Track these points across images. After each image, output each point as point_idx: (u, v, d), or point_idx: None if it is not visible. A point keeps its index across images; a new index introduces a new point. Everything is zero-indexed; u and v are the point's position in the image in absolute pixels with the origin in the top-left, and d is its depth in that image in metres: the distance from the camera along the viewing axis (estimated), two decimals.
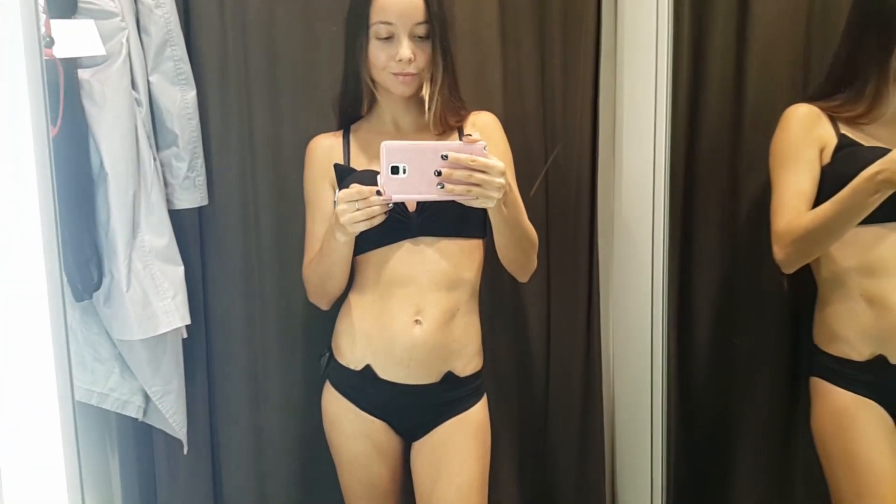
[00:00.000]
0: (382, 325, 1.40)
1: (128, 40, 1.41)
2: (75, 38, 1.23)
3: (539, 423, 1.86)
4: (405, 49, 1.34)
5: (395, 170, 1.17)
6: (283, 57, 1.67)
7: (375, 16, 1.35)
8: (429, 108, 1.39)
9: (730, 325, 1.80)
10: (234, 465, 1.76)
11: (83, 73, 1.33)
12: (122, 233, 1.38)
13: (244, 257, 1.69)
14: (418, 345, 1.39)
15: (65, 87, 1.22)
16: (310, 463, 1.78)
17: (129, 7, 1.44)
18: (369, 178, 1.34)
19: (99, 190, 1.38)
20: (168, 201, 1.55)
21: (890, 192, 1.30)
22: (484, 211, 1.41)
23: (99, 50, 1.27)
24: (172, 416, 1.55)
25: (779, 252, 1.48)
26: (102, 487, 1.64)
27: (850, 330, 1.48)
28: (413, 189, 1.19)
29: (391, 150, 1.17)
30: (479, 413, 1.47)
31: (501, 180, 1.20)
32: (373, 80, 1.41)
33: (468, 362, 1.46)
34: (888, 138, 1.44)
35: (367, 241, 1.40)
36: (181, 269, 1.50)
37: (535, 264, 1.50)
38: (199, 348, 1.71)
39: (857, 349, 1.47)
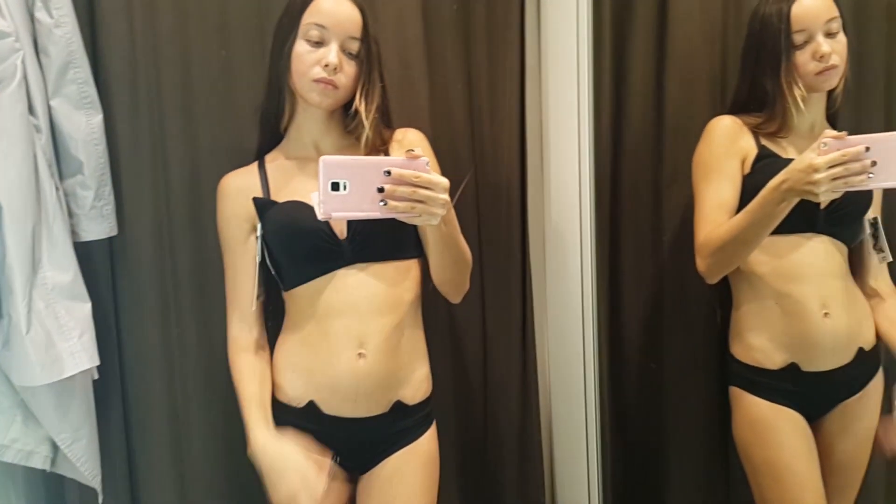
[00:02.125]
0: (324, 361, 1.32)
1: (23, 62, 1.32)
2: None
3: (478, 442, 1.82)
4: (333, 54, 1.28)
5: (335, 186, 1.10)
6: (197, 75, 1.59)
7: (310, 17, 1.29)
8: (368, 126, 1.32)
9: (658, 336, 1.82)
10: None
11: None
12: (21, 270, 1.28)
13: (160, 290, 1.60)
14: (364, 378, 1.32)
15: None
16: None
17: (25, 26, 1.35)
18: (294, 209, 1.30)
19: None
20: (74, 233, 1.46)
21: (796, 200, 1.34)
22: (416, 230, 1.37)
23: None
24: (84, 465, 1.45)
25: (700, 263, 1.51)
26: None
27: (763, 338, 1.51)
28: (354, 206, 1.11)
29: (331, 165, 1.09)
30: (428, 443, 1.41)
31: (446, 196, 1.15)
32: (292, 91, 1.34)
33: (417, 389, 1.40)
34: (805, 148, 1.47)
35: (298, 275, 1.34)
36: (88, 305, 1.40)
37: (468, 285, 1.45)
38: (114, 389, 1.61)
39: (770, 357, 1.50)
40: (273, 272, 1.38)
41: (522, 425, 1.82)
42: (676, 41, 1.75)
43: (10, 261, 1.27)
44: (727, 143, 1.52)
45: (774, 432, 1.49)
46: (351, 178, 1.10)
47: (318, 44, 1.29)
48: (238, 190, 1.39)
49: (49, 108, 1.39)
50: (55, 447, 1.44)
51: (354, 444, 1.36)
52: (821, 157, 1.25)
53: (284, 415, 1.36)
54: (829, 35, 1.44)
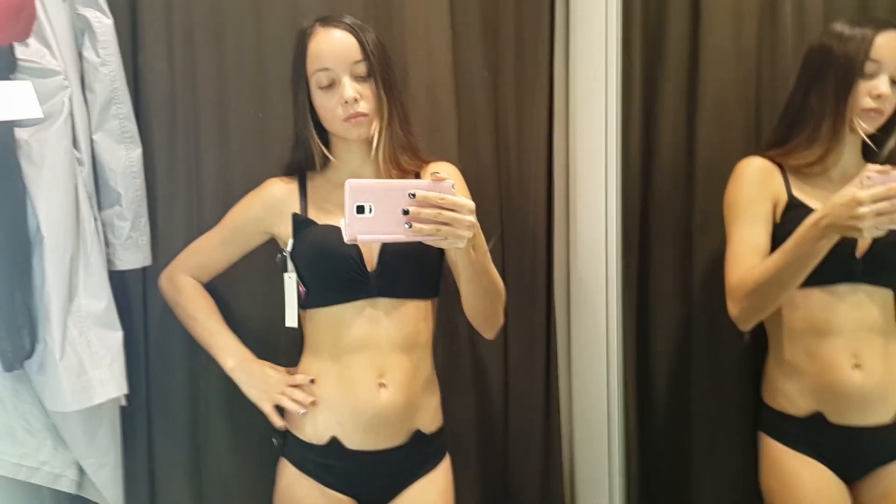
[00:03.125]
0: (345, 393, 1.34)
1: (70, 99, 1.37)
2: (10, 100, 1.18)
3: (499, 484, 1.81)
4: (348, 89, 1.31)
5: (360, 209, 1.10)
6: (233, 115, 1.64)
7: (312, 65, 1.33)
8: (377, 144, 1.35)
9: (687, 384, 1.78)
10: None
11: (21, 133, 1.28)
12: (58, 298, 1.32)
13: None
14: (386, 407, 1.34)
15: None
16: None
17: (73, 65, 1.41)
18: (329, 232, 1.32)
19: (35, 253, 1.32)
20: (109, 262, 1.50)
21: (836, 238, 1.29)
22: (439, 270, 1.39)
23: (35, 113, 1.22)
24: (108, 491, 1.47)
25: (733, 308, 1.46)
26: None
27: (791, 385, 1.48)
28: (379, 229, 1.11)
29: (356, 188, 1.10)
30: (444, 473, 1.43)
31: (472, 218, 1.14)
32: (325, 133, 1.38)
33: (433, 418, 1.42)
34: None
35: (321, 298, 1.36)
36: (119, 334, 1.43)
37: (502, 318, 1.43)
38: (140, 417, 1.64)
39: (795, 404, 1.47)
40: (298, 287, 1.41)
41: (545, 469, 1.80)
42: (708, 84, 1.73)
43: (48, 288, 1.31)
44: (759, 184, 1.49)
45: (799, 482, 1.45)
46: (376, 201, 1.11)
47: (331, 85, 1.32)
48: (277, 198, 1.43)
49: (91, 141, 1.45)
50: (82, 471, 1.46)
51: (376, 477, 1.37)
52: (865, 191, 1.19)
53: (304, 453, 1.38)
54: (893, 82, 1.40)
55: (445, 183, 1.13)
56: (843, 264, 1.39)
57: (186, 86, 1.61)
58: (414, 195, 1.11)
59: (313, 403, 1.36)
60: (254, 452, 1.64)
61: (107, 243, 1.50)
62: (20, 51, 1.27)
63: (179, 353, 1.64)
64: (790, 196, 1.47)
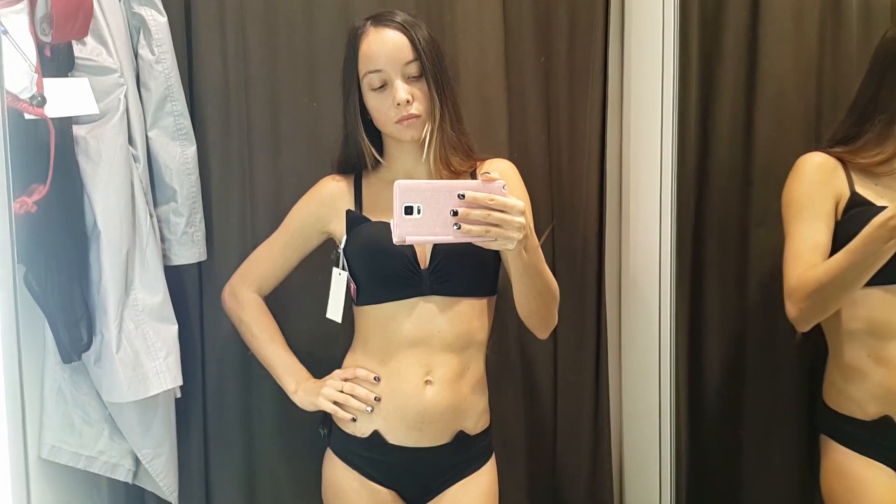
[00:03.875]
0: (392, 388, 1.34)
1: (126, 96, 1.40)
2: (68, 96, 1.21)
3: (547, 484, 1.79)
4: (400, 91, 1.30)
5: (408, 210, 1.10)
6: (285, 112, 1.66)
7: (364, 67, 1.31)
8: (428, 145, 1.33)
9: (740, 384, 1.73)
10: None
11: (78, 130, 1.31)
12: (114, 291, 1.35)
13: None
14: (430, 407, 1.33)
15: (56, 145, 1.20)
16: None
17: (129, 62, 1.44)
18: (384, 230, 1.31)
19: (92, 247, 1.35)
20: (165, 257, 1.53)
21: None
22: (497, 267, 1.37)
23: (92, 109, 1.25)
24: (163, 480, 1.50)
25: (791, 308, 1.41)
26: None
27: (856, 388, 1.42)
28: (428, 230, 1.10)
29: (405, 189, 1.10)
30: (488, 474, 1.42)
31: (522, 220, 1.12)
32: (377, 132, 1.38)
33: (478, 420, 1.40)
34: None
35: (373, 295, 1.36)
36: (175, 327, 1.46)
37: (556, 319, 1.40)
38: (196, 409, 1.67)
39: (862, 408, 1.41)
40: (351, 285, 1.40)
41: (593, 470, 1.78)
42: (767, 78, 1.68)
43: (105, 282, 1.34)
44: (821, 181, 1.43)
45: (864, 486, 1.40)
46: (425, 202, 1.09)
47: (383, 86, 1.31)
48: (332, 195, 1.44)
49: (147, 138, 1.48)
50: (137, 461, 1.50)
51: (417, 474, 1.37)
52: None
53: (348, 445, 1.39)
54: None
55: (496, 183, 1.11)
56: None
57: (239, 83, 1.63)
58: (463, 196, 1.09)
59: (378, 399, 1.35)
60: (304, 443, 1.66)
61: (162, 239, 1.53)
62: (77, 48, 1.30)
63: (233, 346, 1.66)
64: (853, 193, 1.41)
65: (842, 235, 1.36)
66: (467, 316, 1.35)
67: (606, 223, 1.76)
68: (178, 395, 1.55)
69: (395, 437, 1.35)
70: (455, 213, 1.09)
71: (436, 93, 1.32)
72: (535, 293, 1.31)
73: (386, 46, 1.30)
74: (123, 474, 1.49)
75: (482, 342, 1.40)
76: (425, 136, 1.33)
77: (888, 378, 1.38)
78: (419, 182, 1.12)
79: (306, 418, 1.50)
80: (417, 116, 1.32)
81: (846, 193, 1.42)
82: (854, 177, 1.43)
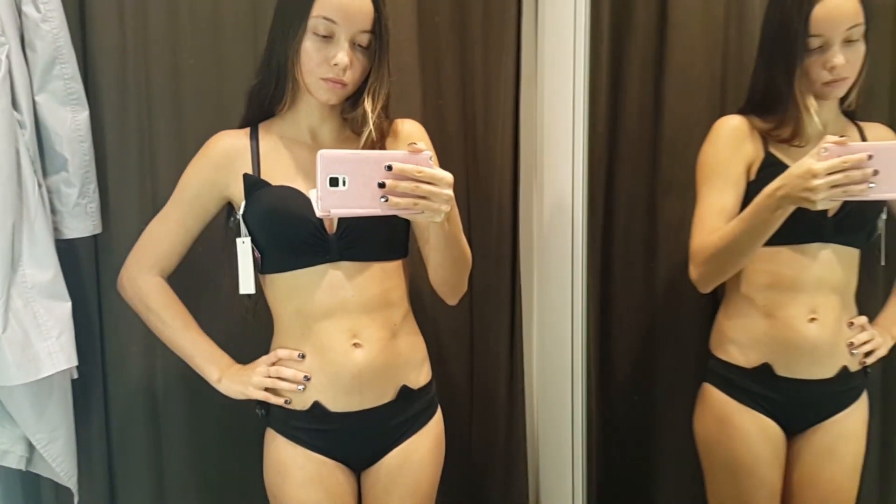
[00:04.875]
0: (321, 360, 1.30)
1: (8, 56, 1.30)
2: None
3: (464, 447, 1.81)
4: (343, 54, 1.23)
5: (333, 182, 1.05)
6: (187, 74, 1.59)
7: (319, 9, 1.23)
8: (372, 125, 1.27)
9: (651, 346, 1.80)
10: None
11: None
12: (0, 268, 1.26)
13: None
14: (364, 369, 1.30)
15: None
16: None
17: (12, 20, 1.33)
18: (285, 195, 1.27)
19: None
20: (57, 230, 1.44)
21: (792, 208, 1.29)
22: (407, 229, 1.35)
23: None
24: (60, 465, 1.43)
25: (693, 271, 1.46)
26: None
27: (741, 335, 1.49)
28: (354, 203, 1.07)
29: (329, 159, 1.05)
30: (435, 428, 1.41)
31: (450, 192, 1.10)
32: (300, 80, 1.29)
33: (419, 371, 1.39)
34: None
35: (278, 262, 1.31)
36: (68, 304, 1.38)
37: (465, 286, 1.40)
38: (95, 389, 1.60)
39: (745, 355, 1.48)
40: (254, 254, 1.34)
41: (508, 432, 1.81)
42: (675, 50, 1.72)
43: None
44: (733, 144, 1.46)
45: (740, 433, 1.47)
46: (350, 174, 1.06)
47: (327, 38, 1.24)
48: (226, 155, 1.34)
49: (34, 103, 1.38)
50: (31, 447, 1.43)
51: (364, 438, 1.34)
52: (820, 163, 1.19)
53: (289, 420, 1.34)
54: (848, 42, 1.36)
55: (423, 154, 1.08)
56: (814, 224, 1.38)
57: (137, 43, 1.55)
58: (390, 167, 1.06)
59: (307, 378, 1.31)
60: (213, 420, 1.64)
61: (53, 211, 1.44)
62: None
63: (134, 323, 1.57)
64: (766, 153, 1.45)
65: (754, 195, 1.38)
66: (379, 278, 1.32)
67: (521, 189, 1.77)
68: (75, 376, 1.48)
69: (336, 404, 1.31)
70: (382, 185, 1.06)
71: (385, 71, 1.28)
72: (451, 261, 1.31)
73: (351, 5, 1.23)
74: (15, 461, 1.43)
75: (401, 299, 1.37)
76: (368, 110, 1.27)
77: (773, 329, 1.44)
78: (344, 152, 1.07)
79: (214, 390, 1.46)
80: (345, 84, 1.26)
81: (760, 155, 1.45)
82: (771, 141, 1.46)
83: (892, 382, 1.76)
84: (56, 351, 1.33)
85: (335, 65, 1.23)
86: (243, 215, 1.30)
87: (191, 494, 1.68)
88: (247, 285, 1.33)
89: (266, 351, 1.37)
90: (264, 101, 1.34)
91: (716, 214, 1.44)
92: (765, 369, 1.46)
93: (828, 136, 1.22)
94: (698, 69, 1.71)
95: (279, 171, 1.32)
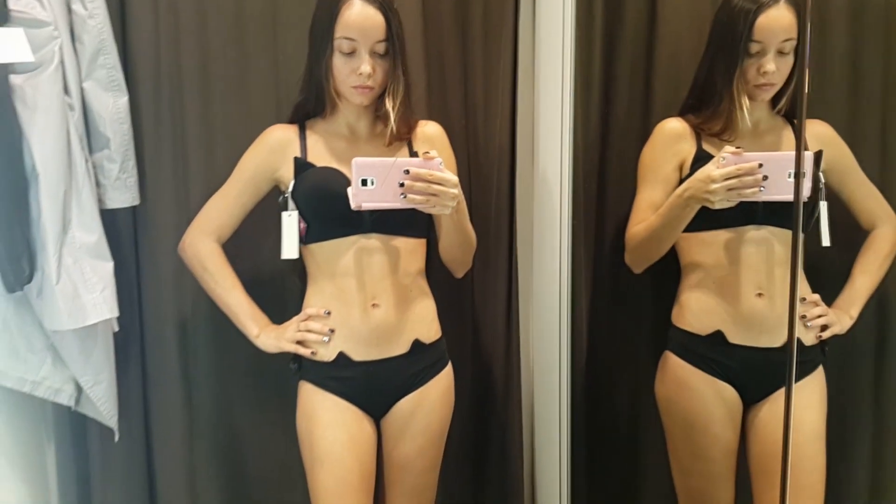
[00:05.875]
0: (344, 316, 1.52)
1: (60, 48, 1.49)
2: (4, 44, 1.31)
3: (465, 393, 1.92)
4: (366, 65, 1.46)
5: (364, 182, 1.35)
6: (214, 65, 1.77)
7: (339, 31, 1.46)
8: (392, 120, 1.51)
9: (637, 322, 1.92)
10: (167, 455, 1.85)
11: (16, 79, 1.42)
12: (53, 229, 1.46)
13: (176, 256, 1.73)
14: (380, 324, 1.52)
15: None
16: (240, 455, 1.88)
17: (63, 16, 1.53)
18: (329, 174, 1.51)
19: (31, 188, 1.46)
20: (100, 201, 1.63)
21: (698, 207, 1.49)
22: (426, 215, 1.54)
23: (27, 57, 1.35)
24: (103, 405, 1.63)
25: (626, 256, 1.72)
26: (37, 473, 1.72)
27: (696, 305, 1.63)
28: (380, 198, 1.37)
29: (361, 165, 1.36)
30: (444, 379, 1.62)
31: (455, 191, 1.39)
32: (335, 90, 1.52)
33: (429, 328, 1.60)
34: (748, 148, 1.55)
35: (320, 233, 1.53)
36: (110, 264, 1.58)
37: (471, 264, 1.71)
38: (133, 342, 1.80)
39: (700, 322, 1.62)
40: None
41: (504, 404, 1.94)
42: (664, 44, 1.83)
43: (44, 220, 1.46)
44: (665, 146, 1.65)
45: (696, 393, 1.60)
46: (377, 176, 1.35)
47: (351, 53, 1.46)
48: (280, 143, 1.58)
49: (82, 89, 1.57)
50: (79, 389, 1.63)
51: (384, 384, 1.55)
52: (718, 170, 1.41)
53: (318, 370, 1.55)
54: (781, 53, 1.51)
55: (435, 161, 1.37)
56: (747, 210, 1.52)
57: (170, 37, 1.73)
58: (408, 172, 1.35)
59: (332, 331, 1.53)
60: (237, 370, 1.83)
61: (98, 184, 1.63)
62: (12, 2, 1.40)
63: (168, 284, 1.79)
64: (699, 149, 1.61)
65: None
66: (403, 252, 1.55)
67: (518, 174, 1.90)
68: (116, 329, 1.68)
69: (358, 353, 1.53)
70: (402, 185, 1.36)
71: (401, 72, 1.51)
72: (458, 244, 1.61)
73: (365, 22, 1.45)
74: (66, 398, 1.62)
75: (418, 269, 1.60)
76: (389, 108, 1.51)
77: (724, 301, 1.58)
78: (373, 160, 1.37)
79: (238, 347, 1.64)
80: (372, 88, 1.49)
81: (693, 151, 1.62)
82: (704, 137, 1.63)
83: (886, 373, 1.87)
84: (100, 303, 1.53)
85: (360, 74, 1.46)
86: (292, 192, 1.53)
87: (219, 439, 1.87)
88: (290, 251, 1.55)
89: (294, 313, 1.59)
90: (309, 111, 1.59)
91: (646, 208, 1.64)
92: (717, 336, 1.59)
93: (726, 147, 1.43)
94: (686, 60, 1.79)
95: (323, 156, 1.55)
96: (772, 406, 1.59)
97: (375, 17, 1.46)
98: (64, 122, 1.49)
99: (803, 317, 1.59)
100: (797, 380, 1.58)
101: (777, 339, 1.56)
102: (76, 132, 1.54)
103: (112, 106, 1.62)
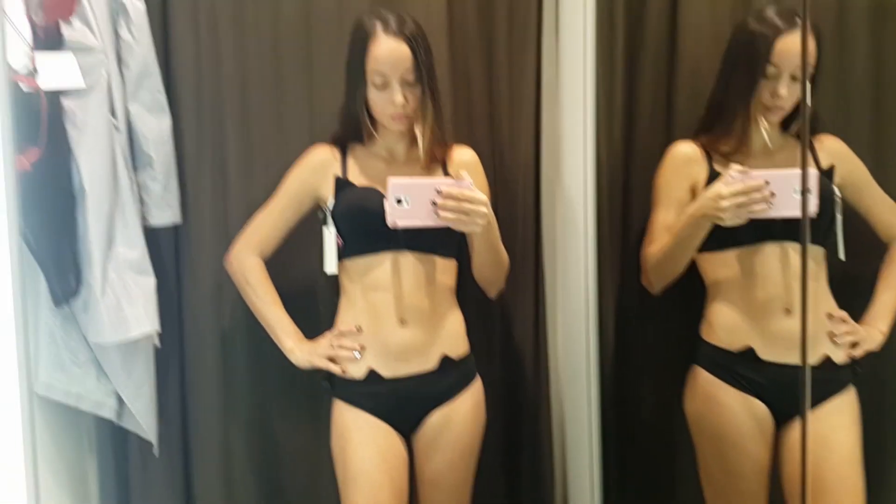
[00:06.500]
0: (374, 331, 1.56)
1: (108, 72, 1.57)
2: (58, 70, 1.38)
3: (495, 399, 1.91)
4: (398, 95, 1.52)
5: (399, 201, 1.43)
6: (253, 89, 1.83)
7: (370, 67, 1.53)
8: (421, 145, 1.58)
9: (664, 335, 1.92)
10: (205, 469, 1.88)
11: (66, 101, 1.49)
12: (98, 245, 1.52)
13: (215, 271, 1.81)
14: (408, 340, 1.56)
15: (48, 114, 1.37)
16: (277, 470, 1.91)
17: (111, 42, 1.61)
18: (366, 192, 1.57)
19: (79, 206, 1.52)
20: (144, 218, 1.70)
21: (709, 225, 1.52)
22: (461, 236, 1.59)
23: (78, 82, 1.43)
24: (143, 419, 1.67)
25: (642, 277, 1.75)
26: (80, 485, 1.76)
27: (726, 321, 1.62)
28: (414, 216, 1.44)
29: (397, 185, 1.43)
30: (474, 395, 1.64)
31: (485, 210, 1.45)
32: (371, 118, 1.59)
33: (457, 344, 1.63)
34: (758, 166, 1.55)
35: (355, 247, 1.58)
36: (152, 280, 1.64)
37: (503, 284, 1.74)
38: (173, 357, 1.84)
39: (731, 339, 1.61)
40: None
41: (533, 415, 1.95)
42: (685, 62, 1.86)
43: (90, 237, 1.52)
44: (678, 169, 1.67)
45: (726, 409, 1.59)
46: (411, 195, 1.43)
47: (384, 86, 1.53)
48: (322, 163, 1.64)
49: (127, 111, 1.65)
50: (121, 403, 1.67)
51: (412, 401, 1.58)
52: (727, 188, 1.45)
53: (350, 387, 1.59)
54: (794, 78, 1.54)
55: (465, 181, 1.44)
56: (764, 227, 1.53)
57: (211, 63, 1.80)
58: (440, 191, 1.42)
59: (362, 348, 1.57)
60: (273, 385, 1.87)
61: (141, 202, 1.70)
62: (66, 30, 1.48)
63: (208, 300, 1.84)
64: (711, 169, 1.64)
65: None
66: (432, 269, 1.59)
67: (542, 191, 1.93)
68: (157, 344, 1.72)
69: (387, 370, 1.57)
70: (434, 204, 1.43)
71: (430, 99, 1.57)
72: (490, 263, 1.63)
73: (392, 56, 1.52)
74: (108, 412, 1.66)
75: (449, 287, 1.63)
76: (418, 133, 1.58)
77: (753, 318, 1.58)
78: (407, 180, 1.46)
79: (275, 363, 1.68)
80: (408, 115, 1.56)
81: (705, 172, 1.64)
82: (715, 157, 1.65)
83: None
84: (142, 316, 1.59)
85: (394, 104, 1.53)
86: (332, 210, 1.58)
87: (255, 453, 1.90)
88: (331, 266, 1.60)
89: (326, 328, 1.63)
90: (350, 140, 1.65)
91: (660, 230, 1.67)
92: (748, 352, 1.59)
93: (733, 166, 1.46)
94: (706, 76, 1.79)
95: (362, 176, 1.62)
96: (811, 427, 1.55)
97: (402, 50, 1.52)
98: (110, 142, 1.56)
99: (832, 334, 1.59)
100: (826, 399, 1.57)
101: (810, 357, 1.55)
102: (122, 152, 1.60)
103: (156, 127, 1.69)
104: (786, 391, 1.56)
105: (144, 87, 1.66)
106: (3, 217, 1.11)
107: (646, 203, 1.84)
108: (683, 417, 1.73)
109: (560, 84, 1.92)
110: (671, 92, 1.89)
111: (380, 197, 1.51)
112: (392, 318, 1.55)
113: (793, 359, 1.55)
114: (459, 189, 1.43)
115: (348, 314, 1.60)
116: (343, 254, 1.60)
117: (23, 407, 1.18)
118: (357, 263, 1.58)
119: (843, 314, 1.61)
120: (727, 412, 1.60)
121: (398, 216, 1.44)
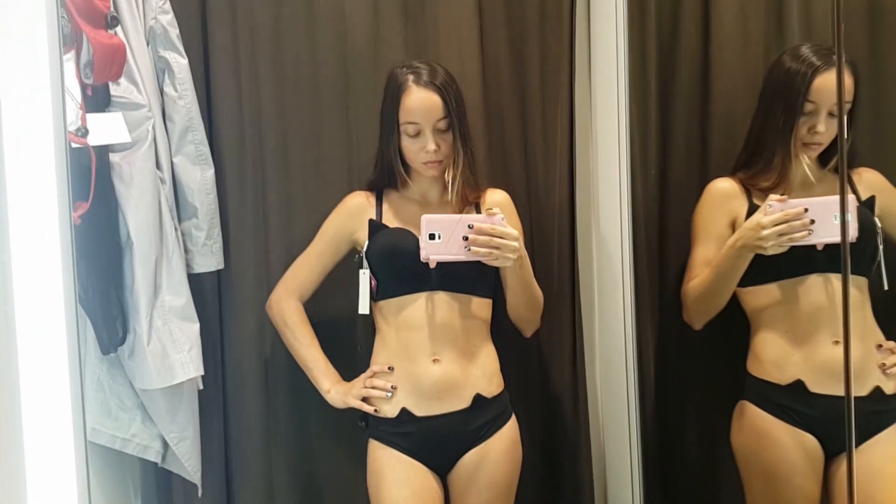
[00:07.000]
0: (407, 371, 1.59)
1: (153, 127, 1.63)
2: (106, 128, 1.45)
3: (537, 437, 1.93)
4: (430, 143, 1.58)
5: (432, 236, 1.48)
6: (292, 140, 1.89)
7: (403, 117, 1.59)
8: (451, 189, 1.62)
9: (706, 372, 1.89)
10: None
11: (114, 157, 1.55)
12: (145, 294, 1.57)
13: (257, 316, 1.86)
14: (441, 379, 1.58)
15: (96, 169, 1.43)
16: None
17: (156, 98, 1.68)
18: (400, 234, 1.61)
19: (126, 256, 1.58)
20: (188, 265, 1.75)
21: (751, 255, 1.52)
22: (495, 275, 1.62)
23: (125, 138, 1.49)
24: (188, 461, 1.71)
25: (684, 313, 1.72)
26: None
27: (773, 354, 1.61)
28: (447, 251, 1.50)
29: (430, 221, 1.50)
30: (508, 433, 1.64)
31: (516, 244, 1.50)
32: (405, 164, 1.65)
33: (491, 383, 1.64)
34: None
35: (389, 289, 1.61)
36: (197, 325, 1.68)
37: (539, 323, 1.76)
38: (216, 400, 1.88)
39: (779, 372, 1.59)
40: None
41: (574, 455, 1.94)
42: (719, 99, 1.86)
43: (137, 286, 1.57)
44: (717, 205, 1.68)
45: (776, 444, 1.57)
46: (444, 231, 1.49)
47: (416, 134, 1.59)
48: (358, 207, 1.70)
49: (172, 163, 1.71)
50: (165, 445, 1.71)
51: (445, 439, 1.59)
52: (767, 217, 1.46)
53: (384, 427, 1.61)
54: (831, 115, 1.55)
55: (497, 217, 1.49)
56: (806, 258, 1.53)
57: (253, 116, 1.87)
58: (472, 227, 1.48)
59: (394, 387, 1.60)
60: (315, 427, 1.89)
61: (186, 250, 1.75)
62: (113, 88, 1.55)
63: (250, 344, 1.88)
64: (750, 204, 1.64)
65: None
66: (466, 309, 1.61)
67: (578, 227, 1.94)
68: (201, 387, 1.76)
69: (420, 409, 1.59)
70: (466, 239, 1.48)
71: (460, 143, 1.62)
72: (524, 301, 1.65)
73: (424, 105, 1.58)
74: (153, 455, 1.70)
75: (483, 327, 1.65)
76: (448, 180, 1.62)
77: (801, 351, 1.57)
78: (441, 217, 1.52)
79: (316, 405, 1.72)
80: (440, 161, 1.61)
81: (744, 210, 1.64)
82: (754, 193, 1.65)
83: None
84: (187, 362, 1.63)
85: (427, 152, 1.58)
86: (366, 252, 1.63)
87: (298, 494, 1.92)
88: (364, 307, 1.65)
89: (362, 369, 1.66)
90: (384, 186, 1.71)
91: (701, 265, 1.67)
92: (798, 385, 1.57)
93: (771, 196, 1.47)
94: (740, 114, 1.80)
95: (397, 219, 1.67)
96: (862, 461, 1.51)
97: (433, 99, 1.58)
98: (156, 194, 1.62)
99: (882, 365, 1.55)
100: (878, 430, 1.54)
101: (860, 388, 1.52)
102: (167, 203, 1.66)
103: (199, 178, 1.74)
104: (837, 424, 1.50)
105: (188, 140, 1.72)
106: (58, 271, 1.15)
107: (682, 241, 1.85)
108: (727, 454, 1.71)
109: (594, 125, 1.95)
110: (705, 130, 1.89)
111: (413, 238, 1.55)
112: (425, 357, 1.58)
113: (841, 391, 1.50)
114: (491, 224, 1.48)
115: (382, 354, 1.63)
116: (377, 294, 1.63)
117: (77, 456, 1.22)
118: (391, 304, 1.61)
119: (892, 344, 1.58)
120: (778, 447, 1.58)
121: (431, 251, 1.49)
